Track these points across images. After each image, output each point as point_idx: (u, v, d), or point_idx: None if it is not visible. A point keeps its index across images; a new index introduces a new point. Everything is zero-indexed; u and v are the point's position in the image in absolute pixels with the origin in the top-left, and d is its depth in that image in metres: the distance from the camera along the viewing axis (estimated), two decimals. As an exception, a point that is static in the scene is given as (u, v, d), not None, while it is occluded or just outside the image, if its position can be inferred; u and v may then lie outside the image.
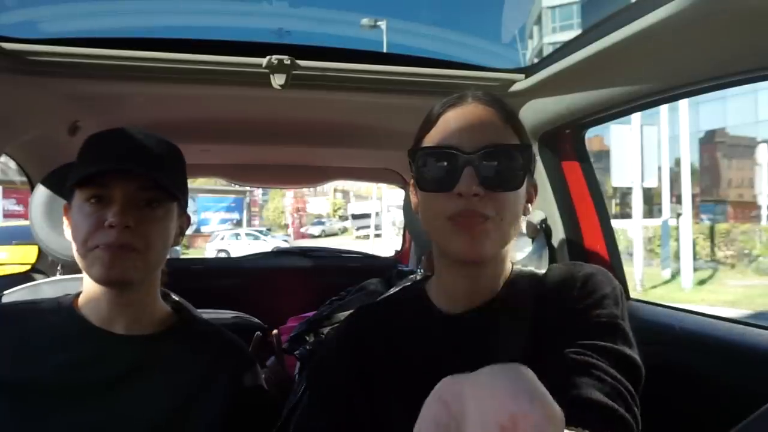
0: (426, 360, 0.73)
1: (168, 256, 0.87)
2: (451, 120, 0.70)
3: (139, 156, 0.80)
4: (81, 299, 0.84)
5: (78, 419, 0.74)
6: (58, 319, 0.81)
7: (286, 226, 31.18)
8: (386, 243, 17.25)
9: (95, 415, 0.75)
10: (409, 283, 0.97)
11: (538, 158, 1.36)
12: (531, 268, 0.80)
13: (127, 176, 0.78)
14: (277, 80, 1.16)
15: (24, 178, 1.60)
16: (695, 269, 10.43)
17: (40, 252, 1.61)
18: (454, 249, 0.68)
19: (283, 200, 32.58)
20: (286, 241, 21.99)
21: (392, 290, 1.11)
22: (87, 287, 0.83)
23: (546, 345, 0.69)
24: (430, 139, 0.71)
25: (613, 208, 21.18)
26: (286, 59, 1.13)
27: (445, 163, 0.67)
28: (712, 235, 12.83)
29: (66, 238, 0.85)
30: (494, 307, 0.74)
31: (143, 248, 0.78)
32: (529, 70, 1.24)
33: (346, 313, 1.26)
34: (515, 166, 0.68)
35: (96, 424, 0.75)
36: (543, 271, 0.79)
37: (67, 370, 0.76)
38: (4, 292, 1.12)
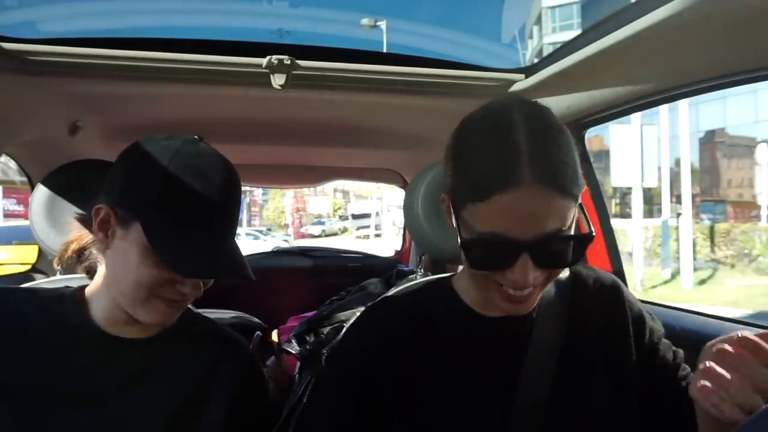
0: (462, 363, 0.74)
1: None
2: (506, 207, 0.63)
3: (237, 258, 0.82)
4: (89, 301, 0.82)
5: (81, 423, 0.73)
6: (62, 319, 0.79)
7: (286, 226, 31.19)
8: (386, 243, 17.25)
9: (99, 418, 0.74)
10: (431, 280, 0.94)
11: None
12: None
13: None
14: (277, 80, 1.16)
15: (24, 178, 1.60)
16: (695, 269, 10.44)
17: (40, 252, 1.61)
18: (498, 304, 0.70)
19: (283, 200, 32.60)
20: (286, 241, 22.01)
21: (406, 285, 1.06)
22: (101, 293, 0.81)
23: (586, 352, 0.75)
24: (479, 217, 0.65)
25: (613, 208, 21.17)
26: (286, 59, 1.13)
27: (500, 249, 0.65)
28: (711, 234, 12.83)
29: (66, 238, 0.85)
30: (532, 314, 0.76)
31: (192, 296, 0.80)
32: (529, 70, 1.24)
33: (347, 312, 1.26)
34: (570, 246, 0.67)
35: (100, 428, 0.74)
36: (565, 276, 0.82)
37: (71, 374, 0.75)
38: None
